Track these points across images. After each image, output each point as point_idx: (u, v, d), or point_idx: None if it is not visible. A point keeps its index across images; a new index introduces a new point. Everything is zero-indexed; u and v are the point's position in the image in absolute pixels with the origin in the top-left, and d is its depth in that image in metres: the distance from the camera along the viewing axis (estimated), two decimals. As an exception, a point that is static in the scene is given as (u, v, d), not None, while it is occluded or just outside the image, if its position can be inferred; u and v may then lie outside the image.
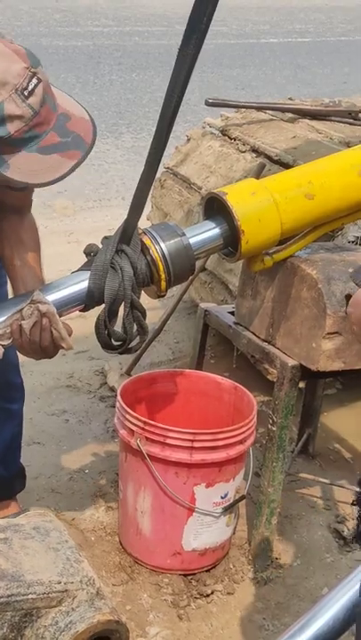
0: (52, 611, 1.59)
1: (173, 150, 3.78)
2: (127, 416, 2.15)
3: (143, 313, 1.94)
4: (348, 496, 2.61)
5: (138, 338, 1.97)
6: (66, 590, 1.60)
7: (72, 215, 5.16)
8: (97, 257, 1.87)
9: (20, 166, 1.66)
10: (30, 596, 1.56)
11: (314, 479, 2.71)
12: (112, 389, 3.15)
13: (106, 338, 1.93)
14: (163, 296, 2.01)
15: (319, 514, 2.55)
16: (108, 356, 3.44)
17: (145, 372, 2.51)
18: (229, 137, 3.48)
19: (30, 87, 1.62)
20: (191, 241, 1.96)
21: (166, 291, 1.97)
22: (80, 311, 1.93)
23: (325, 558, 2.36)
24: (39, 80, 1.64)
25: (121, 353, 1.99)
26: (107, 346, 1.96)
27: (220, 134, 3.58)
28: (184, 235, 1.94)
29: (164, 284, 1.93)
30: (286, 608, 2.18)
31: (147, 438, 2.10)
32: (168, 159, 3.79)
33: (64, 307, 1.87)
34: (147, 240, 1.91)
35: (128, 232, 1.88)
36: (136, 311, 1.92)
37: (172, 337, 3.69)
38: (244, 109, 3.64)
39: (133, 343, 1.97)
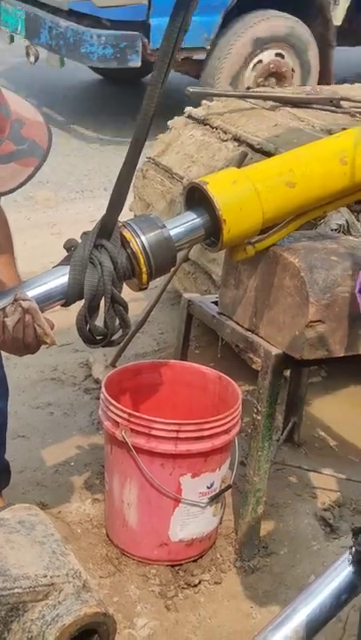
0: (39, 604, 1.59)
1: (155, 140, 3.76)
2: (112, 408, 2.14)
3: (125, 307, 1.93)
4: (333, 483, 2.62)
5: (120, 331, 1.96)
6: (52, 584, 1.60)
7: (55, 207, 5.13)
8: (75, 252, 1.87)
9: None
10: (16, 590, 1.56)
11: (300, 467, 2.73)
12: (97, 381, 3.14)
13: (87, 333, 1.93)
14: (145, 289, 2.01)
15: (305, 502, 2.56)
16: (92, 349, 3.44)
17: (129, 364, 2.50)
18: (211, 126, 3.46)
19: None
20: (172, 232, 1.95)
21: (148, 283, 1.97)
22: (61, 306, 1.92)
23: (312, 546, 2.37)
24: None
25: (104, 346, 1.98)
26: (88, 340, 1.95)
27: (201, 123, 3.56)
28: (165, 227, 1.94)
29: (145, 276, 1.92)
30: (274, 596, 2.18)
31: (132, 430, 2.10)
32: (150, 149, 3.77)
33: (45, 302, 1.86)
34: (127, 233, 1.91)
35: (108, 227, 1.88)
36: (117, 305, 1.91)
37: (156, 328, 3.69)
38: (225, 98, 3.63)
39: (116, 337, 1.97)
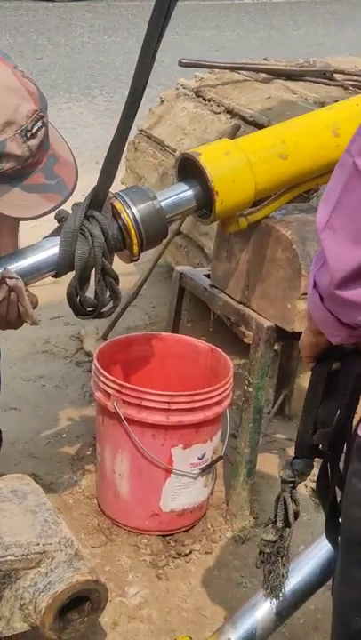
0: (31, 572, 1.61)
1: (147, 112, 3.73)
2: (103, 379, 2.15)
3: (115, 278, 1.93)
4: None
5: (111, 303, 1.96)
6: (44, 552, 1.61)
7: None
8: (66, 223, 1.86)
9: None
10: (9, 558, 1.57)
11: (290, 439, 2.74)
12: (88, 354, 3.15)
13: (77, 304, 1.93)
14: (136, 260, 2.00)
15: (296, 473, 2.58)
16: (83, 322, 3.43)
17: (121, 336, 2.50)
18: (203, 98, 3.44)
19: (34, 130, 1.67)
20: (163, 204, 1.95)
21: (139, 255, 1.97)
22: (53, 277, 1.92)
23: (302, 517, 2.36)
24: (44, 124, 1.69)
25: (94, 318, 1.98)
26: (79, 312, 1.95)
27: (193, 96, 3.54)
28: (155, 198, 1.93)
29: (136, 248, 1.92)
30: (264, 566, 2.21)
31: (123, 401, 2.10)
32: (142, 121, 3.74)
33: (35, 273, 1.85)
34: (118, 204, 1.90)
35: (99, 198, 1.87)
36: (108, 277, 1.91)
37: (148, 301, 3.69)
38: (218, 70, 3.60)
39: (106, 309, 1.97)
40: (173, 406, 2.09)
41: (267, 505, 2.43)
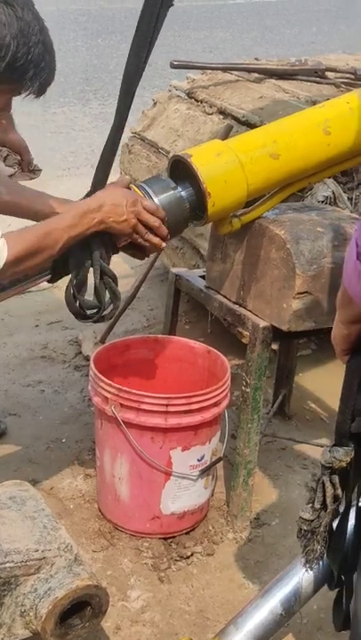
0: (31, 578, 1.60)
1: (140, 115, 3.74)
2: (101, 383, 2.14)
3: (113, 278, 1.93)
4: (324, 454, 2.63)
5: (111, 305, 1.96)
6: (44, 558, 1.61)
7: (41, 185, 5.09)
8: None
9: None
10: (8, 565, 1.56)
11: (290, 439, 2.74)
12: (87, 358, 3.14)
13: (77, 308, 1.91)
14: (161, 249, 2.04)
15: (296, 473, 2.58)
16: (81, 326, 3.43)
17: (118, 340, 2.50)
18: (196, 99, 3.44)
19: None
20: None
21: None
22: (47, 282, 1.92)
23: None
24: None
25: (95, 321, 1.97)
26: (79, 316, 1.94)
27: (186, 97, 3.54)
28: (176, 188, 1.97)
29: None
30: (266, 566, 2.20)
31: (121, 405, 2.10)
32: (135, 124, 3.75)
33: (29, 278, 1.85)
34: (137, 191, 1.93)
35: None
36: (106, 277, 1.90)
37: (145, 304, 3.69)
38: (210, 71, 3.60)
39: (107, 311, 1.96)
40: (171, 409, 2.09)
41: (268, 505, 2.43)
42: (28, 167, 2.73)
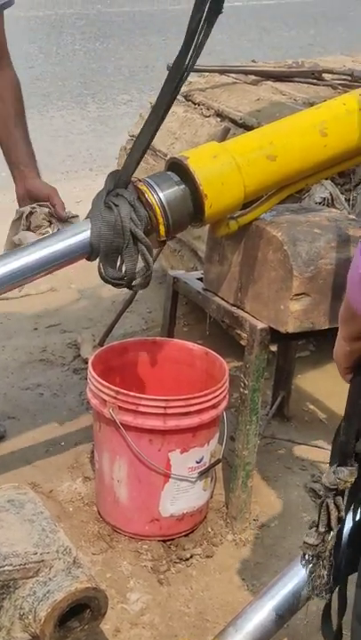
0: (30, 581, 1.60)
1: (137, 118, 3.74)
2: (99, 386, 2.15)
3: (148, 247, 1.92)
4: (323, 456, 2.63)
5: (142, 275, 1.96)
6: (42, 560, 1.61)
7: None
8: (92, 203, 1.91)
9: None
10: (7, 568, 1.56)
11: (289, 440, 2.74)
12: (85, 361, 3.14)
13: (109, 271, 1.94)
14: (164, 243, 2.05)
15: (295, 474, 2.58)
16: (80, 329, 3.44)
17: (116, 342, 2.50)
18: (193, 102, 3.45)
19: None
20: None
21: (167, 236, 2.00)
22: (87, 260, 1.96)
23: (302, 517, 2.39)
24: None
25: (126, 286, 1.98)
26: (113, 278, 1.96)
27: (183, 99, 3.54)
28: (181, 183, 1.98)
29: (163, 228, 1.96)
30: (265, 568, 2.20)
31: (119, 407, 2.10)
32: (133, 127, 3.75)
33: (69, 254, 1.92)
34: (142, 187, 1.96)
35: (122, 179, 1.93)
36: (140, 244, 1.91)
37: (144, 307, 3.69)
38: (207, 73, 3.61)
39: (138, 280, 1.97)
40: (170, 411, 2.09)
41: (267, 507, 2.43)
42: (62, 212, 2.17)
